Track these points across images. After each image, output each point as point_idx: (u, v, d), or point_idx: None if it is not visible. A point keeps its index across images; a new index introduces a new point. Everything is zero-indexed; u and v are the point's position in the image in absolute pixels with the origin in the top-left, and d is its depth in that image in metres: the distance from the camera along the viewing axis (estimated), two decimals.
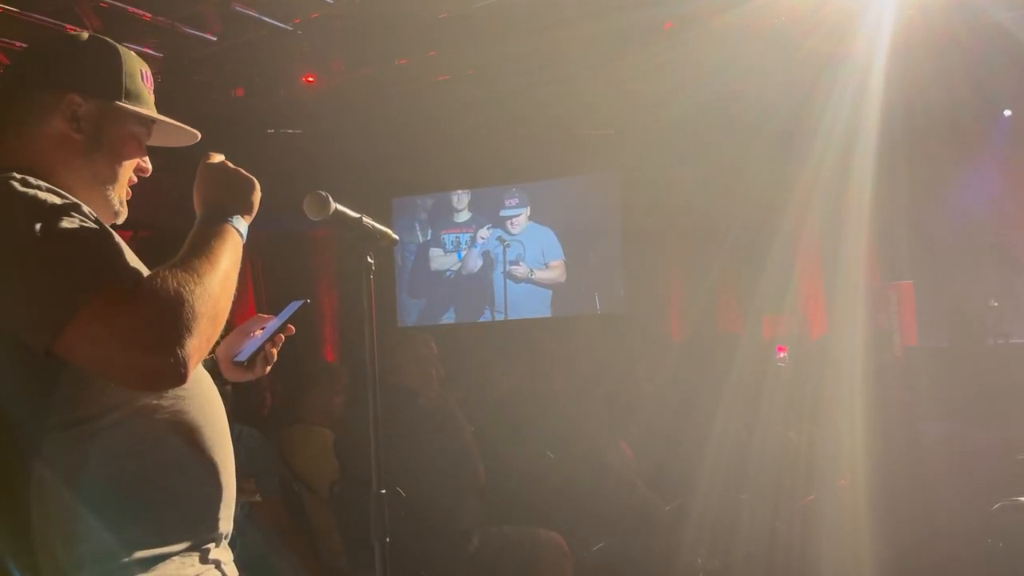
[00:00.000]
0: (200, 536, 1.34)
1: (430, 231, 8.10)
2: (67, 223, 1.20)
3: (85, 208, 1.27)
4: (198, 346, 1.20)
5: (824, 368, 4.42)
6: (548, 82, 5.89)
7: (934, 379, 5.14)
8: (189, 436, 1.33)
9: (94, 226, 1.24)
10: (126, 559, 1.24)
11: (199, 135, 1.56)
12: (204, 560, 1.35)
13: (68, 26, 4.93)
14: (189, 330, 1.18)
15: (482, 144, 6.86)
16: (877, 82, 5.17)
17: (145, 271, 1.29)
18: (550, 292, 7.71)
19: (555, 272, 7.71)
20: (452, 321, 7.97)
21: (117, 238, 1.29)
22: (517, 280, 7.76)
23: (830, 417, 4.17)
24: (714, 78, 5.54)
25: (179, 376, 1.18)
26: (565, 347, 5.13)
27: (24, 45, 4.91)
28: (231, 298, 1.29)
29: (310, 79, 5.88)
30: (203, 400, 1.37)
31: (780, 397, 4.24)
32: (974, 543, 3.56)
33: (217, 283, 1.25)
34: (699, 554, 3.79)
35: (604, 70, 5.69)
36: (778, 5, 4.92)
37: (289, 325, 1.66)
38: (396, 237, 1.84)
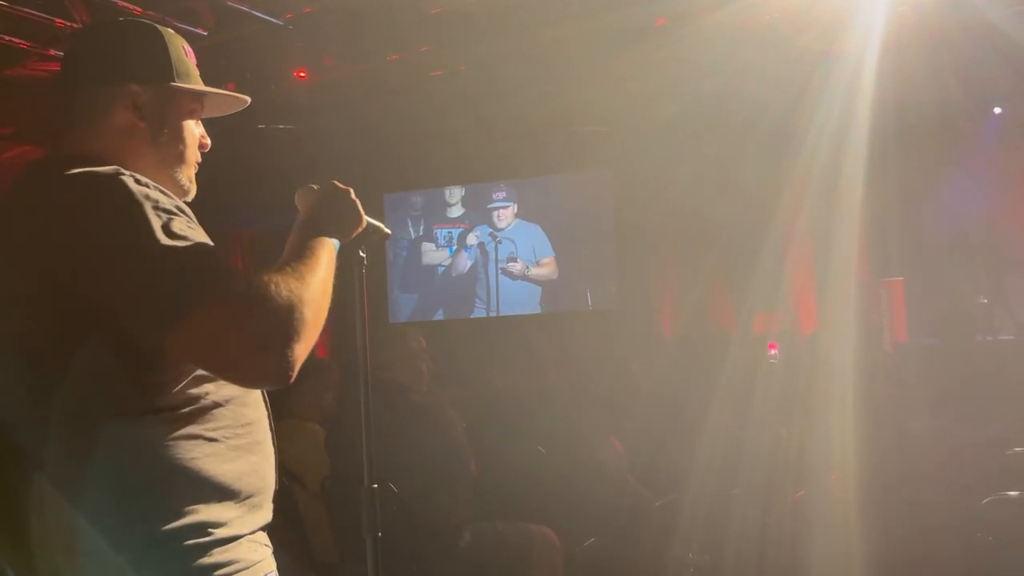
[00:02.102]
0: (259, 521, 1.39)
1: (422, 226, 8.09)
2: (180, 223, 1.25)
3: (186, 208, 1.32)
4: (304, 348, 1.25)
5: (815, 365, 4.43)
6: (541, 78, 5.88)
7: (924, 375, 5.16)
8: (250, 427, 1.39)
9: (199, 227, 1.29)
10: (206, 538, 1.28)
11: (249, 100, 1.59)
12: (263, 545, 1.40)
13: (58, 20, 4.90)
14: (298, 333, 1.23)
15: (475, 140, 6.85)
16: (869, 79, 5.18)
17: None
18: (539, 289, 7.72)
19: (547, 269, 7.71)
20: (443, 317, 7.97)
21: None
22: (514, 277, 7.76)
23: (821, 413, 4.18)
24: (707, 75, 5.55)
25: (287, 376, 1.22)
26: (557, 343, 5.13)
27: (12, 39, 4.90)
28: (328, 305, 1.35)
29: (302, 74, 5.86)
30: (257, 394, 1.43)
31: (771, 394, 4.26)
32: (964, 537, 3.58)
33: (320, 290, 1.31)
34: (690, 549, 3.80)
35: (597, 67, 5.69)
36: (770, 3, 4.93)
37: None
38: (389, 231, 1.83)
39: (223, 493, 1.31)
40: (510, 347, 4.69)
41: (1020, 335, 5.92)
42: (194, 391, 1.30)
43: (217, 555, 1.29)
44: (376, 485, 1.76)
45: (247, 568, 1.33)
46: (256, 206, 6.63)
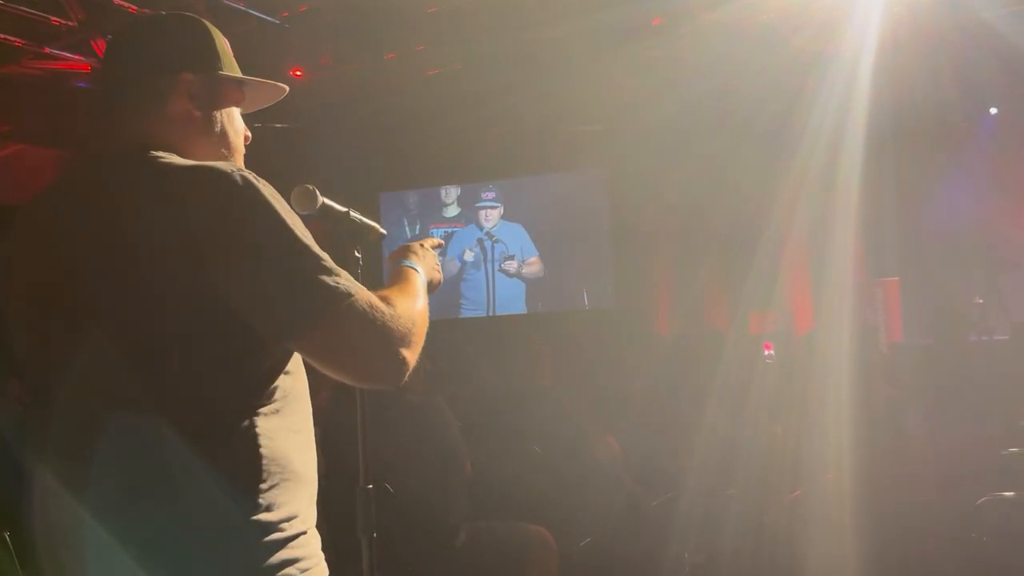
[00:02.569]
0: (315, 517, 1.41)
1: (418, 225, 8.08)
2: (303, 227, 1.30)
3: None
4: (415, 355, 1.35)
5: (810, 364, 4.44)
6: (537, 77, 5.88)
7: (919, 375, 5.17)
8: (309, 420, 1.44)
9: None
10: (294, 531, 1.31)
11: (287, 89, 1.61)
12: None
13: (53, 18, 4.89)
14: (413, 340, 1.34)
15: (470, 139, 6.85)
16: (865, 79, 5.19)
17: None
18: (524, 287, 7.74)
19: (535, 267, 7.74)
20: (440, 317, 7.97)
21: None
22: (510, 275, 7.77)
23: (816, 413, 4.19)
24: (703, 75, 5.55)
25: (403, 378, 1.33)
26: (553, 343, 5.13)
27: (8, 37, 4.89)
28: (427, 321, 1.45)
29: (298, 73, 5.85)
30: (308, 395, 1.47)
31: (766, 393, 4.26)
32: (958, 537, 3.59)
33: (424, 306, 1.46)
34: (686, 548, 3.81)
35: (594, 66, 5.69)
36: (767, 2, 4.93)
37: None
38: (384, 231, 1.83)
39: (302, 484, 1.35)
40: (506, 347, 4.69)
41: (1015, 335, 5.93)
42: (281, 384, 1.33)
43: (301, 547, 1.32)
44: (371, 485, 1.76)
45: (320, 563, 1.36)
46: None
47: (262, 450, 1.27)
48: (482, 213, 7.86)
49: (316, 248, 1.28)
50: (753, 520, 3.82)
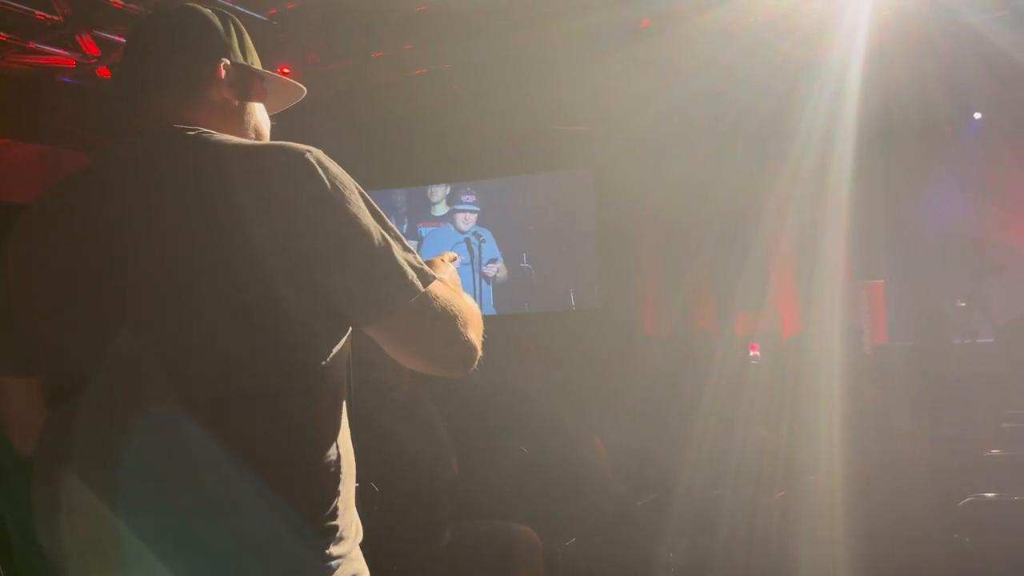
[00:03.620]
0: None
1: (406, 225, 8.07)
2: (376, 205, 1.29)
3: None
4: (480, 343, 1.35)
5: (795, 365, 4.46)
6: (525, 78, 5.88)
7: (903, 377, 5.20)
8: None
9: None
10: (350, 538, 1.28)
11: (304, 91, 1.60)
12: None
13: (38, 12, 4.85)
14: (478, 328, 1.35)
15: (458, 138, 6.84)
16: (852, 83, 5.22)
17: None
18: (489, 288, 7.76)
19: (504, 273, 7.78)
20: None
21: None
22: (488, 278, 7.78)
23: (801, 414, 4.21)
24: (691, 77, 5.57)
25: (473, 364, 1.34)
26: (540, 343, 5.13)
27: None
28: None
29: (285, 71, 5.82)
30: None
31: (751, 394, 4.28)
32: (942, 538, 3.61)
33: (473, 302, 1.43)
34: (671, 549, 3.82)
35: (583, 67, 5.70)
36: (755, 6, 4.95)
37: None
38: None
39: (350, 482, 1.32)
40: (493, 346, 4.69)
41: (998, 338, 5.98)
42: (338, 373, 1.30)
43: (355, 561, 1.29)
44: (357, 484, 1.75)
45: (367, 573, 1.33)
46: None
47: (340, 447, 1.25)
48: (460, 216, 7.87)
49: (396, 229, 1.28)
50: (738, 520, 3.83)
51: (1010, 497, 3.54)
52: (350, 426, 1.75)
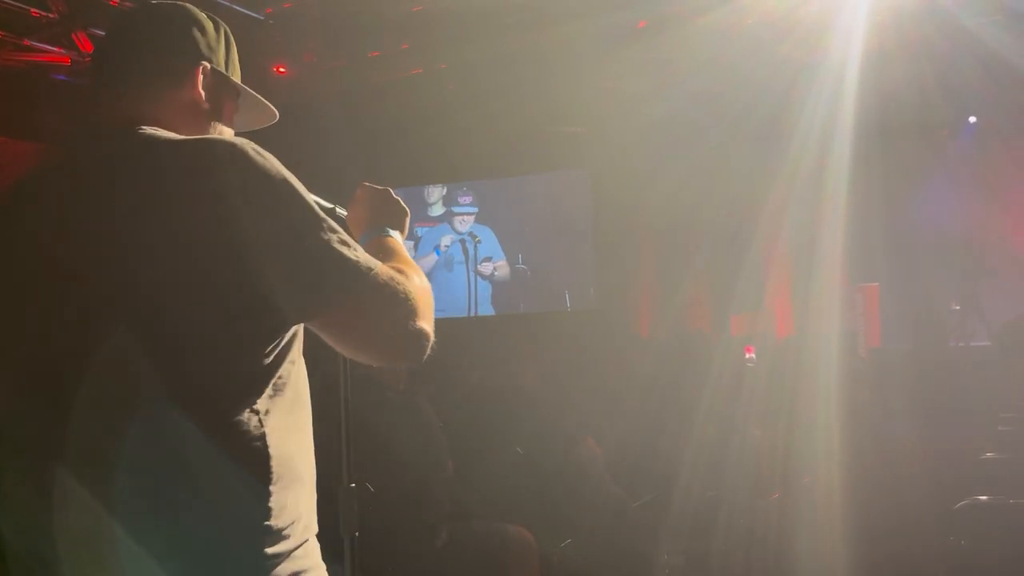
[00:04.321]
0: (316, 523, 1.35)
1: None
2: (313, 197, 1.26)
3: None
4: (431, 330, 1.30)
5: (789, 368, 4.46)
6: (522, 79, 5.88)
7: (898, 380, 5.20)
8: (310, 415, 1.35)
9: None
10: (294, 539, 1.24)
11: (277, 115, 1.58)
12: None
13: (33, 10, 4.83)
14: (428, 315, 1.30)
15: (454, 139, 6.83)
16: (850, 85, 5.23)
17: None
18: (489, 288, 7.75)
19: (505, 271, 7.77)
20: None
21: None
22: (484, 277, 7.77)
23: (795, 416, 4.20)
24: (688, 78, 5.58)
25: (425, 352, 1.29)
26: (535, 343, 5.13)
27: None
28: None
29: (281, 70, 5.82)
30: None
31: (746, 396, 4.28)
32: (938, 541, 3.61)
33: (425, 280, 1.37)
34: (667, 550, 3.81)
35: (580, 68, 5.70)
36: (753, 8, 4.95)
37: None
38: None
39: (305, 485, 1.29)
40: (488, 347, 4.69)
41: (994, 341, 5.99)
42: (284, 377, 1.25)
43: (305, 558, 1.25)
44: (353, 484, 1.75)
45: (322, 574, 1.30)
46: None
47: (271, 449, 1.20)
48: (457, 219, 7.87)
49: (332, 221, 1.24)
50: (734, 522, 3.83)
51: (1005, 500, 3.55)
52: (346, 424, 1.74)
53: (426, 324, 1.28)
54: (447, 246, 7.89)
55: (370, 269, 1.23)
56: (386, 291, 1.24)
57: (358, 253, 1.24)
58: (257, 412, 1.20)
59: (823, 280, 5.96)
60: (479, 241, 7.76)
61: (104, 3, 4.83)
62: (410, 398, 3.49)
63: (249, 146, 1.22)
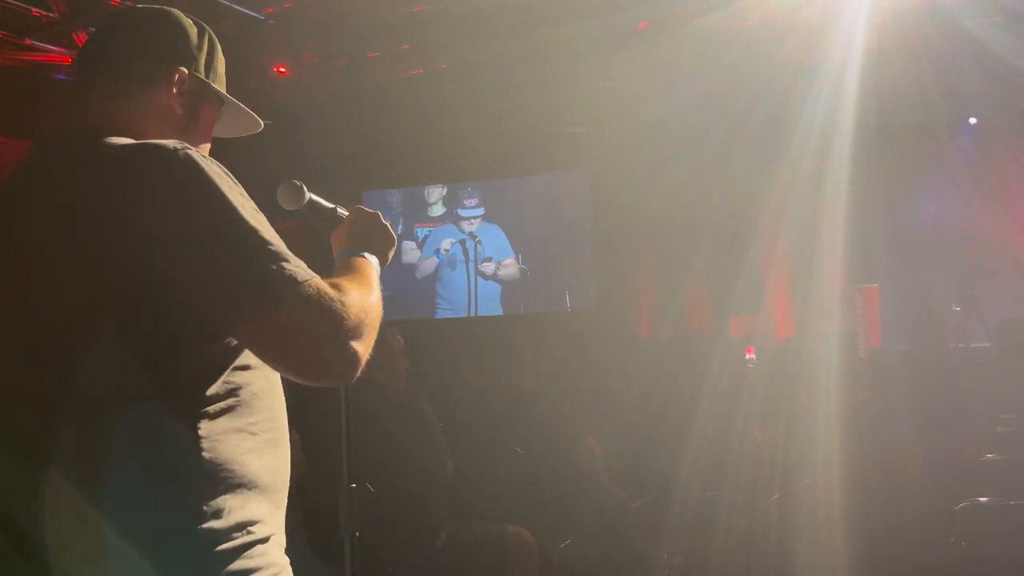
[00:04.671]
0: (282, 520, 1.35)
1: (401, 224, 8.05)
2: (254, 209, 1.22)
3: None
4: (367, 349, 1.26)
5: (789, 369, 4.45)
6: (522, 79, 5.88)
7: (898, 381, 5.20)
8: (278, 420, 1.35)
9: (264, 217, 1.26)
10: (248, 538, 1.23)
11: (261, 125, 1.57)
12: (283, 546, 1.35)
13: (34, 9, 4.83)
14: (364, 334, 1.25)
15: (454, 139, 6.84)
16: (850, 86, 5.23)
17: None
18: (500, 288, 7.74)
19: (511, 269, 7.75)
20: (422, 316, 7.94)
21: None
22: (486, 277, 7.76)
23: (796, 417, 4.20)
24: (689, 79, 5.58)
25: (353, 373, 1.24)
26: (535, 344, 5.12)
27: None
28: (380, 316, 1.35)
29: (281, 70, 5.82)
30: (281, 386, 1.39)
31: (746, 396, 4.27)
32: (938, 542, 3.62)
33: (377, 299, 1.35)
34: (667, 551, 3.81)
35: (580, 69, 5.70)
36: (753, 9, 4.95)
37: None
38: None
39: (260, 490, 1.27)
40: (488, 347, 4.68)
41: (993, 342, 5.99)
42: (234, 381, 1.25)
43: (257, 557, 1.24)
44: (354, 485, 1.74)
45: (281, 571, 1.30)
46: None
47: (204, 454, 1.19)
48: (465, 223, 7.87)
49: (267, 231, 1.20)
50: (735, 523, 3.83)
51: (1006, 502, 3.55)
52: (346, 425, 1.74)
53: (357, 343, 1.23)
54: (447, 249, 7.88)
55: (295, 282, 1.18)
56: (311, 305, 1.19)
57: (288, 265, 1.19)
58: (195, 416, 1.20)
59: (823, 281, 5.96)
60: (479, 241, 7.75)
61: (105, 2, 4.83)
62: (410, 398, 3.49)
63: (184, 151, 1.20)
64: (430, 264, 7.86)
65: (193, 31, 1.43)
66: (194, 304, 1.17)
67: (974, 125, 6.94)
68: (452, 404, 4.18)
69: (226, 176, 1.23)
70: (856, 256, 6.76)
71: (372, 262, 1.49)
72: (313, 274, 1.22)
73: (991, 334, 6.04)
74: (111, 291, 1.16)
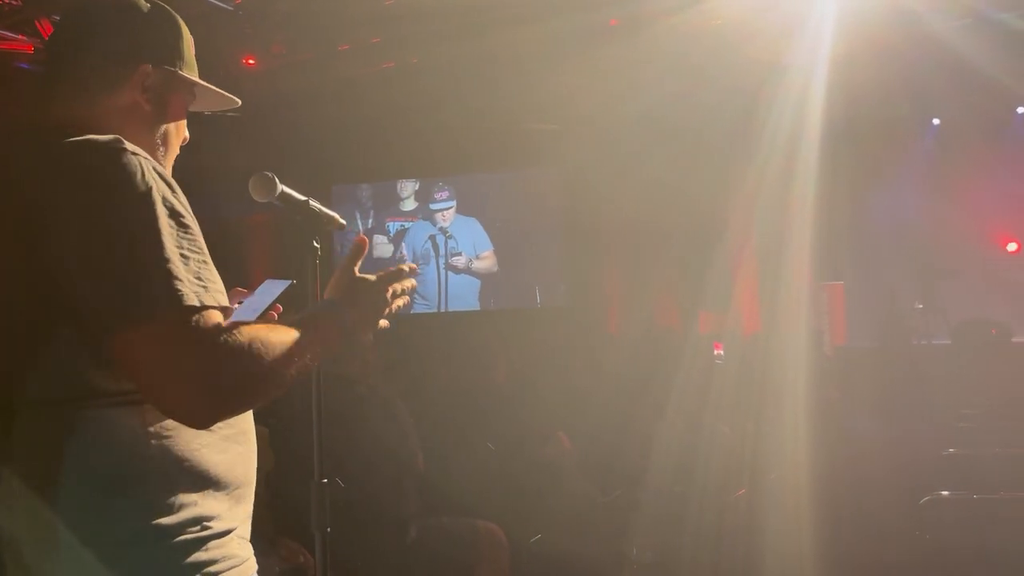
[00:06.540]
0: (244, 515, 1.34)
1: (372, 219, 8.01)
2: (178, 218, 1.17)
3: (183, 199, 1.22)
4: (233, 411, 1.22)
5: (757, 365, 4.50)
6: (494, 75, 5.87)
7: (863, 377, 5.28)
8: (237, 420, 1.32)
9: (198, 233, 1.20)
10: (203, 532, 1.23)
11: (239, 102, 1.56)
12: (247, 540, 1.34)
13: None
14: (245, 397, 1.19)
15: (426, 134, 6.81)
16: (818, 87, 5.29)
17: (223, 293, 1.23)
18: (479, 284, 7.72)
19: (488, 262, 7.73)
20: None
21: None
22: (458, 271, 7.74)
23: (762, 413, 4.25)
24: (660, 78, 5.60)
25: (204, 424, 1.19)
26: (506, 340, 5.13)
27: None
28: (285, 386, 1.24)
29: (250, 61, 5.75)
30: None
31: (715, 392, 4.31)
32: (902, 536, 3.68)
33: (288, 375, 1.22)
34: (636, 545, 3.83)
35: (551, 66, 5.70)
36: (720, 9, 4.99)
37: (277, 305, 1.62)
38: (343, 222, 1.79)
39: (216, 485, 1.26)
40: (459, 343, 4.68)
41: (955, 339, 6.10)
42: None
43: (213, 550, 1.24)
44: (325, 480, 1.73)
45: (240, 564, 1.29)
46: (201, 195, 6.49)
47: (155, 451, 1.19)
48: (438, 215, 7.84)
49: (176, 244, 1.15)
50: (703, 518, 3.86)
51: (968, 495, 3.61)
52: (317, 420, 1.72)
53: (227, 395, 1.15)
54: (416, 248, 7.85)
55: (176, 303, 1.11)
56: (182, 333, 1.11)
57: (177, 285, 1.11)
58: (145, 414, 1.19)
59: (790, 278, 6.02)
60: (450, 236, 7.73)
61: None
62: (382, 394, 3.47)
63: (113, 147, 1.18)
64: (411, 258, 7.82)
65: (156, 19, 1.40)
66: (86, 303, 1.13)
67: (937, 126, 7.05)
68: (424, 399, 4.17)
69: (158, 179, 1.19)
70: (822, 254, 6.84)
71: (338, 320, 1.40)
72: (212, 304, 1.14)
73: (952, 332, 6.15)
74: (47, 290, 1.15)
